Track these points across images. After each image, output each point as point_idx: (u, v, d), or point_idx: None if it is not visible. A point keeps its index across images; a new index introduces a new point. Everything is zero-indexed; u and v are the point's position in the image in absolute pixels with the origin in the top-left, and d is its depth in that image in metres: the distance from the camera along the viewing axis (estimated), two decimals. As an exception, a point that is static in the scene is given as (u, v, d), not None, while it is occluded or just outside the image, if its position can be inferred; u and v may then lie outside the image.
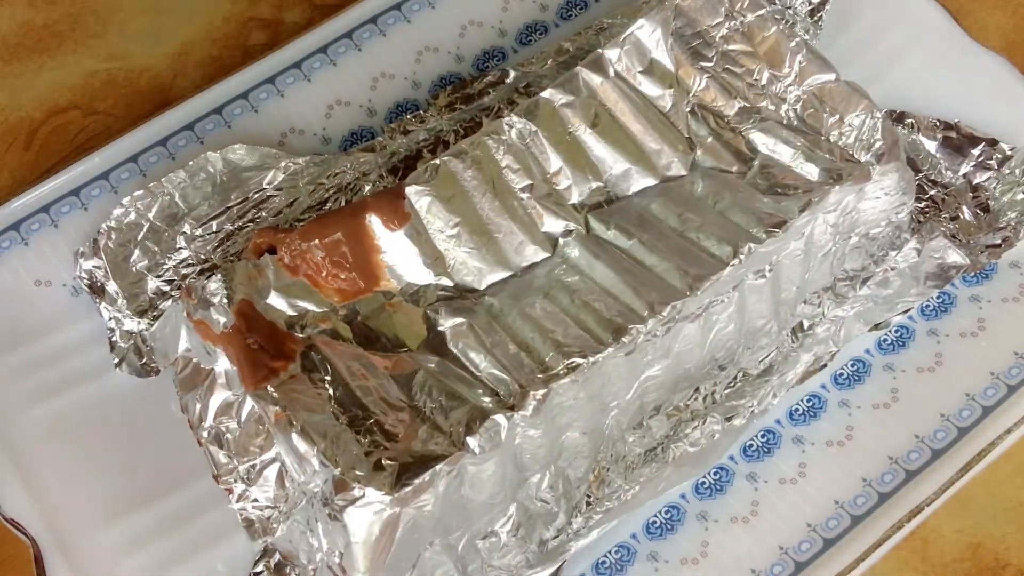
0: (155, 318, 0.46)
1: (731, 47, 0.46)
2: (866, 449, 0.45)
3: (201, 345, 0.42)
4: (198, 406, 0.43)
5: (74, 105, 0.55)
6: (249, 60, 0.53)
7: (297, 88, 0.52)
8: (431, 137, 0.50)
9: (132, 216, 0.47)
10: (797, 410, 0.47)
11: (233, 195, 0.48)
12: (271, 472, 0.41)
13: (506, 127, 0.45)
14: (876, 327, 0.47)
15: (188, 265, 0.47)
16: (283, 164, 0.48)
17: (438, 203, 0.43)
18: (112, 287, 0.47)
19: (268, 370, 0.40)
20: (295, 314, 0.42)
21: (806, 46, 0.45)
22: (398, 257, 0.43)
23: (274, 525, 0.41)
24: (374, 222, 0.43)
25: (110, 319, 0.47)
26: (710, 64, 0.46)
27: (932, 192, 0.49)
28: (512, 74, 0.52)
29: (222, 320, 0.41)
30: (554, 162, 0.44)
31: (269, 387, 0.40)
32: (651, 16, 0.45)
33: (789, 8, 0.51)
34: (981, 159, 0.49)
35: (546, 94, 0.45)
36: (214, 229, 0.47)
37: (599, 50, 0.46)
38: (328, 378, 0.40)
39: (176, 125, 0.51)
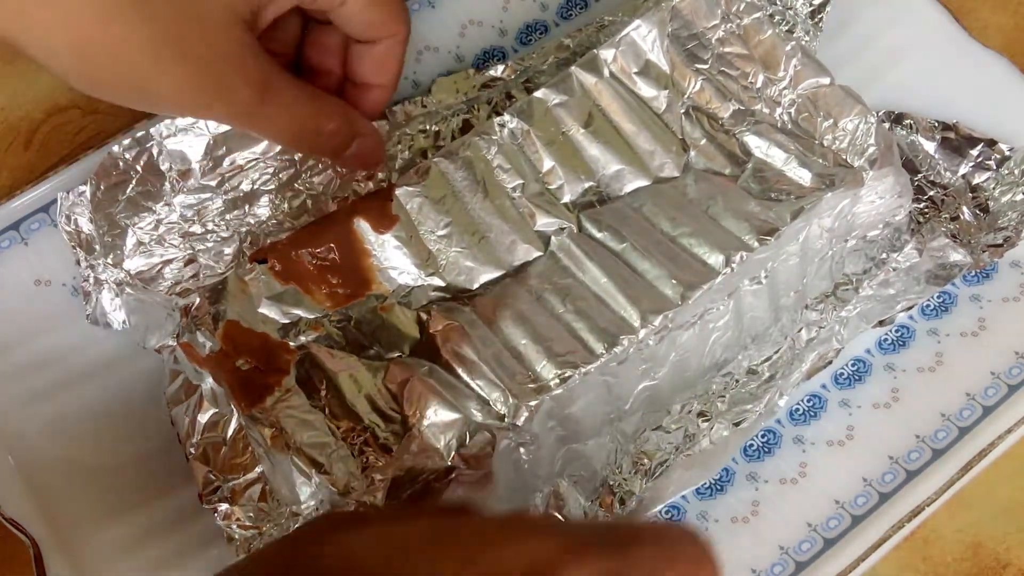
0: (133, 276, 0.46)
1: (727, 49, 0.46)
2: (867, 449, 0.45)
3: (189, 364, 0.42)
4: (186, 421, 0.43)
5: (74, 104, 0.55)
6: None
7: (297, 87, 0.52)
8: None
9: (120, 166, 0.47)
10: (797, 410, 0.47)
11: (225, 160, 0.47)
12: (254, 492, 0.42)
13: (498, 127, 0.44)
14: (881, 323, 0.46)
15: (170, 223, 0.46)
16: None
17: (428, 204, 0.43)
18: (91, 232, 0.46)
19: (262, 388, 0.40)
20: (288, 322, 0.42)
21: (801, 50, 0.45)
22: (389, 260, 0.43)
23: (254, 543, 0.41)
24: (363, 226, 0.43)
25: (86, 267, 0.47)
26: (705, 66, 0.46)
27: (931, 193, 0.49)
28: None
29: (208, 344, 0.41)
30: (546, 162, 0.44)
31: (264, 408, 0.40)
32: (647, 17, 0.45)
33: (790, 9, 0.51)
34: (980, 159, 0.49)
35: (540, 94, 0.45)
36: (201, 189, 0.47)
37: (594, 50, 0.45)
38: (323, 391, 0.40)
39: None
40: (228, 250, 0.47)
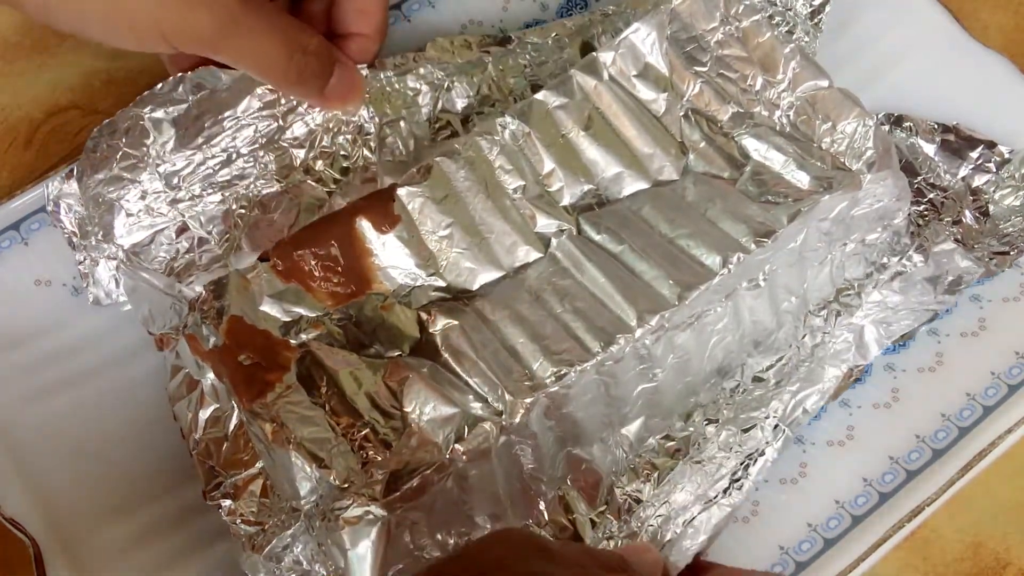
0: (126, 251, 0.45)
1: (725, 52, 0.46)
2: (867, 449, 0.45)
3: (191, 357, 0.42)
4: (189, 416, 0.43)
5: (74, 105, 0.55)
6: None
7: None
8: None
9: (103, 145, 0.46)
10: (797, 410, 0.47)
11: (206, 124, 0.47)
12: (256, 487, 0.42)
13: (499, 127, 0.44)
14: (902, 338, 0.46)
15: (156, 192, 0.46)
16: (259, 91, 0.47)
17: (430, 204, 0.43)
18: (82, 214, 0.46)
19: (263, 384, 0.40)
20: (289, 320, 0.42)
21: (800, 52, 0.45)
22: (390, 259, 0.43)
23: (258, 538, 0.41)
24: (364, 225, 0.43)
25: (81, 250, 0.46)
26: (704, 69, 0.46)
27: (931, 195, 0.49)
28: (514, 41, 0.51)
29: (212, 338, 0.41)
30: (547, 164, 0.44)
31: (265, 403, 0.40)
32: (646, 20, 0.45)
33: (789, 10, 0.51)
34: (980, 162, 0.49)
35: (540, 96, 0.45)
36: (184, 155, 0.46)
37: (593, 53, 0.45)
38: (323, 388, 0.40)
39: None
40: (217, 213, 0.46)
